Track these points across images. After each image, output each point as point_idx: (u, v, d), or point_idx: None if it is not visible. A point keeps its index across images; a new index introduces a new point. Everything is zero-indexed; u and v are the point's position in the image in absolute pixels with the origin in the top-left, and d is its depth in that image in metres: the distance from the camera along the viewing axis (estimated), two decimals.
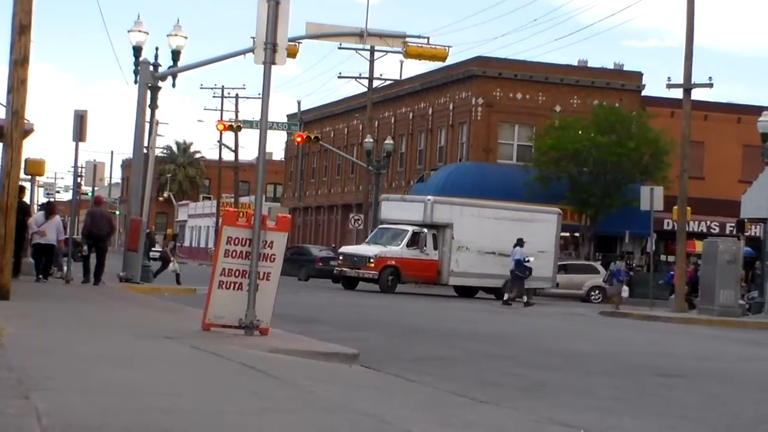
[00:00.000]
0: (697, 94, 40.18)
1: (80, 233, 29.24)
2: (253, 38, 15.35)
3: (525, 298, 37.40)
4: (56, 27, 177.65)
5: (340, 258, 43.41)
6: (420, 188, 56.14)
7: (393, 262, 41.91)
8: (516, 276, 37.68)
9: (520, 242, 38.43)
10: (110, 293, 24.46)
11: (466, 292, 44.10)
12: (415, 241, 42.50)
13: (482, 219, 43.38)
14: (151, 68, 31.02)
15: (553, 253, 44.91)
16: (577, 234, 55.50)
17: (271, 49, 14.69)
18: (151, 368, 10.86)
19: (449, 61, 37.81)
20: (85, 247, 27.93)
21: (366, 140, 58.43)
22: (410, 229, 42.65)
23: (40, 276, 26.60)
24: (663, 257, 55.24)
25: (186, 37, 32.07)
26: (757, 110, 45.04)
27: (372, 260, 41.59)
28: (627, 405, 11.46)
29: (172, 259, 35.84)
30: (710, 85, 37.33)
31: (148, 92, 30.81)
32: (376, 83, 60.66)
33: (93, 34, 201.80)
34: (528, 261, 37.60)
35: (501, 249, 41.91)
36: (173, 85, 32.20)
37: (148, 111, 30.98)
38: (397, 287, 42.26)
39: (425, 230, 42.61)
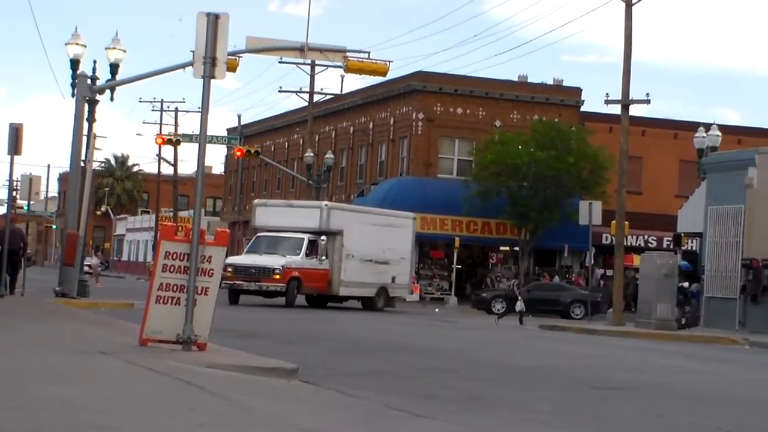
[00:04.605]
0: (634, 110, 40.61)
1: None
2: (193, 52, 15.28)
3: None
4: None
5: (229, 270, 36.62)
6: (360, 202, 56.15)
7: (296, 274, 38.36)
8: None
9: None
10: (45, 308, 24.17)
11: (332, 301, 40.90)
12: (313, 249, 39.17)
13: (363, 225, 41.22)
14: (89, 81, 30.75)
15: (410, 259, 43.85)
16: (516, 248, 55.81)
17: (211, 63, 14.64)
18: (86, 384, 10.75)
19: (390, 76, 37.91)
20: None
21: (306, 154, 58.40)
22: (306, 237, 39.10)
23: None
24: (601, 271, 55.72)
25: (125, 51, 31.86)
26: (693, 126, 45.71)
27: (278, 272, 37.74)
28: (564, 418, 11.53)
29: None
30: (648, 101, 37.74)
31: (86, 105, 30.54)
32: (316, 97, 60.70)
33: (28, 47, 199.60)
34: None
35: (376, 256, 41.09)
36: (111, 99, 31.97)
37: (85, 124, 30.72)
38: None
39: (324, 237, 39.34)
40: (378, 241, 41.04)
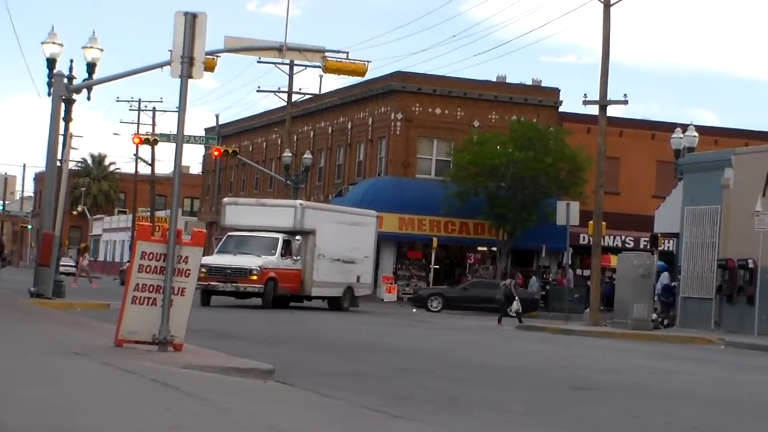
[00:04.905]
0: (612, 111, 40.79)
1: None
2: (171, 51, 15.24)
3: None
4: None
5: (203, 271, 33.88)
6: (339, 203, 56.11)
7: (273, 274, 37.32)
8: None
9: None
10: (20, 308, 24.04)
11: (280, 302, 38.75)
12: (287, 249, 38.34)
13: (333, 224, 40.43)
14: (66, 81, 30.61)
15: (372, 258, 43.23)
16: (494, 248, 55.90)
17: (188, 62, 14.60)
18: (61, 385, 10.69)
19: (368, 76, 37.84)
20: None
21: (285, 154, 58.33)
22: (280, 236, 38.14)
23: None
24: (579, 271, 55.87)
25: (102, 50, 31.73)
26: (671, 127, 45.86)
27: (255, 273, 36.75)
28: (540, 419, 11.55)
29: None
30: (625, 102, 37.83)
31: (62, 105, 30.40)
32: (295, 97, 60.63)
33: (4, 46, 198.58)
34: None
35: (344, 255, 40.52)
36: (88, 98, 31.84)
37: (62, 124, 30.57)
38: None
39: (299, 237, 38.56)
40: (345, 240, 40.48)
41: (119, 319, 14.35)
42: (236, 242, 38.50)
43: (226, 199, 43.91)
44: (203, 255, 15.95)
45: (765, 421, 12.58)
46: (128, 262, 15.12)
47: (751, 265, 33.43)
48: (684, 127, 42.80)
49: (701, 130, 46.25)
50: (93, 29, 61.96)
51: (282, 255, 37.86)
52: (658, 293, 37.44)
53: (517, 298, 38.58)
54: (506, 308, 39.09)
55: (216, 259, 37.23)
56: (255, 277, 36.65)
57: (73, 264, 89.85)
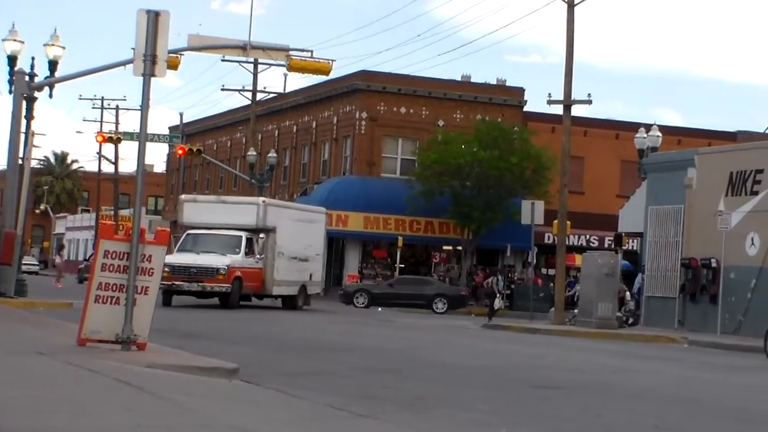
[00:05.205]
0: (577, 111, 40.88)
1: None
2: (134, 50, 15.15)
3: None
4: None
5: (166, 270, 31.99)
6: (304, 202, 56.00)
7: (239, 273, 36.21)
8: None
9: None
10: None
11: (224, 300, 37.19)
12: (250, 248, 37.34)
13: (290, 221, 39.38)
14: (27, 78, 30.34)
15: (323, 255, 42.56)
16: (459, 247, 55.99)
17: (151, 60, 14.52)
18: (22, 385, 10.59)
19: (333, 75, 37.80)
20: None
21: (249, 153, 58.14)
22: (243, 234, 37.09)
23: None
24: (544, 270, 56.06)
25: (64, 47, 31.48)
26: (635, 126, 46.10)
27: (222, 272, 35.56)
28: (504, 418, 11.56)
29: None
30: (589, 102, 37.98)
31: (24, 103, 30.13)
32: (259, 96, 60.43)
33: None
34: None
35: (299, 253, 39.80)
36: (50, 96, 31.56)
37: (23, 122, 30.30)
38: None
39: (263, 235, 37.68)
40: (300, 238, 39.71)
41: (82, 319, 14.25)
42: (197, 240, 37.17)
43: (183, 196, 42.23)
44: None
45: (726, 419, 12.65)
46: (85, 260, 15.07)
47: (713, 265, 33.64)
48: (647, 127, 43.02)
49: (665, 130, 46.53)
50: (55, 27, 61.63)
51: (246, 254, 36.94)
52: (635, 292, 37.95)
53: (498, 296, 39.11)
54: (492, 306, 39.60)
55: (179, 258, 35.86)
56: (222, 277, 35.60)
57: (36, 263, 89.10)
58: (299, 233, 39.62)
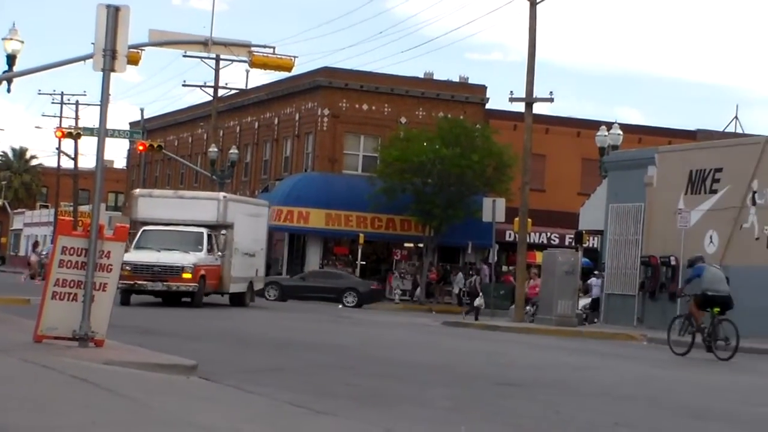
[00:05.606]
0: (538, 109, 41.00)
1: None
2: (94, 44, 15.04)
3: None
4: None
5: (127, 269, 31.93)
6: (265, 198, 55.82)
7: (203, 272, 34.58)
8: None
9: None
10: None
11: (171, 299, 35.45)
12: (210, 245, 35.66)
13: (244, 216, 37.95)
14: None
15: (265, 250, 41.34)
16: (421, 245, 56.04)
17: (111, 55, 14.44)
18: None
19: (295, 72, 37.69)
20: None
21: (210, 149, 57.87)
22: (204, 231, 35.41)
23: None
24: (504, 268, 56.23)
25: (22, 42, 31.17)
26: (596, 125, 46.27)
27: (189, 270, 33.80)
28: (464, 415, 11.57)
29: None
30: (551, 100, 38.13)
31: None
32: (221, 92, 60.13)
33: None
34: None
35: (249, 249, 38.54)
36: (8, 91, 31.17)
37: None
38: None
39: (224, 231, 36.12)
40: (250, 232, 38.50)
41: (39, 315, 14.14)
42: (156, 237, 35.24)
43: (137, 191, 40.08)
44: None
45: (684, 416, 12.73)
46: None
47: (673, 262, 33.88)
48: (609, 126, 43.22)
49: (625, 128, 46.78)
50: (13, 21, 61.12)
51: (208, 251, 35.37)
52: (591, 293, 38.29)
53: (480, 294, 39.33)
54: (473, 304, 39.74)
55: (139, 256, 34.02)
56: (188, 276, 33.81)
57: None
58: (249, 228, 38.55)
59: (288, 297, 46.74)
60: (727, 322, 23.47)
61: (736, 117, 64.63)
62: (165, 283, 33.82)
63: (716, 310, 23.50)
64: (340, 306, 46.21)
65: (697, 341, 23.74)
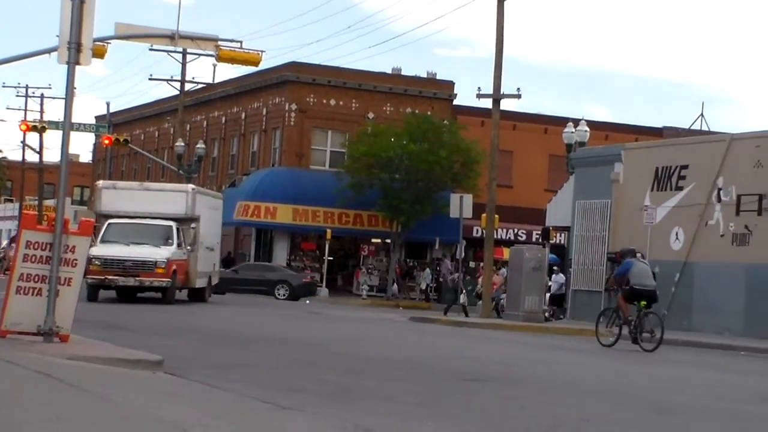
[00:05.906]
0: (506, 105, 41.10)
1: None
2: (58, 37, 14.93)
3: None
4: None
5: (96, 264, 31.89)
6: (232, 193, 55.70)
7: (175, 267, 33.52)
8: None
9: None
10: None
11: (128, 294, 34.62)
12: (179, 239, 34.50)
13: (207, 209, 37.09)
14: None
15: (219, 243, 40.58)
16: (388, 240, 56.07)
17: (75, 48, 14.34)
18: None
19: (263, 66, 37.57)
20: None
21: (177, 144, 57.70)
22: (173, 224, 34.29)
23: None
24: (472, 264, 56.36)
25: None
26: (563, 121, 46.40)
27: (162, 265, 32.79)
28: (430, 410, 11.56)
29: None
30: (518, 96, 38.25)
31: None
32: (188, 86, 59.94)
33: None
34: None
35: (210, 243, 37.76)
36: None
37: None
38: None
39: (194, 225, 35.06)
40: (211, 226, 37.90)
41: (2, 310, 14.03)
42: (122, 231, 33.99)
43: (101, 182, 38.43)
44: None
45: (647, 410, 12.79)
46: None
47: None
48: (576, 122, 43.34)
49: (592, 125, 46.93)
50: None
51: (178, 245, 34.30)
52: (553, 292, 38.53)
53: (464, 291, 39.58)
54: (453, 301, 39.86)
55: (108, 251, 32.90)
56: (161, 270, 32.79)
57: None
58: (210, 221, 37.87)
59: (222, 290, 44.82)
60: (653, 315, 24.04)
61: (702, 114, 65.24)
62: (137, 279, 32.82)
63: (643, 303, 24.10)
64: (307, 301, 46.15)
65: (624, 333, 24.27)
